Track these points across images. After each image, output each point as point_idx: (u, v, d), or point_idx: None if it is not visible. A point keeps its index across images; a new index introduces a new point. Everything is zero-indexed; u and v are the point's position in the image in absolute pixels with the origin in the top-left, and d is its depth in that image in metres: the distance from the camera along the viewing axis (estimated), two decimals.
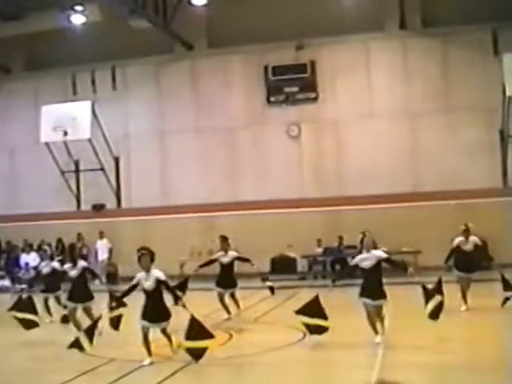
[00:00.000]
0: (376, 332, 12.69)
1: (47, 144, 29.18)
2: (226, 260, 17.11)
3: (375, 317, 12.79)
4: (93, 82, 30.80)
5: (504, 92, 24.83)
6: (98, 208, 30.57)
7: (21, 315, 15.43)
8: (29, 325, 15.49)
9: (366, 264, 12.90)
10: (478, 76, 26.80)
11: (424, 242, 25.18)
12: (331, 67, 28.43)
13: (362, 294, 13.09)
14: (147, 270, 12.13)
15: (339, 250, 27.07)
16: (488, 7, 25.93)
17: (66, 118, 28.53)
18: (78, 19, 27.74)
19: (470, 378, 9.82)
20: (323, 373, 10.73)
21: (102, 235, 29.13)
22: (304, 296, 23.14)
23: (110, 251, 29.04)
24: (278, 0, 28.72)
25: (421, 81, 27.65)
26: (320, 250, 27.25)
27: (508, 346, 10.52)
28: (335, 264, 27.26)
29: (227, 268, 17.17)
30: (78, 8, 27.24)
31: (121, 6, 26.30)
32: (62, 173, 30.15)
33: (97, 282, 28.40)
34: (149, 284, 12.09)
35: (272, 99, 29.06)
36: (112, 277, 28.73)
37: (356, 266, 13.39)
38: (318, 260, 27.48)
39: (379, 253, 12.96)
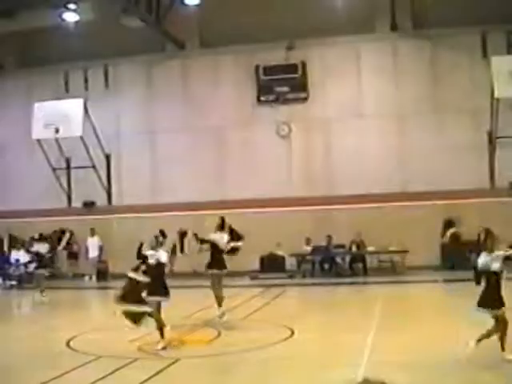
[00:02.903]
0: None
1: (39, 141, 29.26)
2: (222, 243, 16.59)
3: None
4: (85, 80, 30.92)
5: (492, 94, 25.03)
6: (89, 205, 30.65)
7: (136, 307, 13.13)
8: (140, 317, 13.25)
9: (496, 266, 10.70)
10: (466, 78, 27.02)
11: (411, 242, 25.37)
12: (321, 68, 28.60)
13: (486, 304, 10.81)
14: (154, 249, 13.06)
15: (328, 249, 27.22)
16: (477, 10, 26.17)
17: (58, 115, 28.62)
18: (70, 17, 27.81)
19: (457, 377, 9.99)
20: (310, 370, 10.85)
21: (93, 232, 29.19)
22: (292, 294, 23.51)
23: (101, 248, 29.11)
24: (270, 1, 28.86)
25: (410, 82, 27.84)
26: (309, 249, 27.36)
27: (496, 345, 10.65)
28: (324, 263, 27.44)
29: (217, 250, 16.57)
30: (71, 6, 27.30)
31: (113, 4, 26.39)
32: (54, 170, 30.25)
33: (86, 278, 28.75)
34: (152, 262, 12.95)
35: (262, 98, 29.20)
36: (103, 274, 28.86)
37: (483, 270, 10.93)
38: (307, 259, 27.61)
39: (500, 252, 10.79)
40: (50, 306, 21.61)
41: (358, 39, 28.19)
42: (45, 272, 21.45)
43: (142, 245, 13.32)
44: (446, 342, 12.12)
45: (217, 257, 16.43)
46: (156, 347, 12.46)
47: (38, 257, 21.77)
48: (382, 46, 28.33)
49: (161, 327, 12.72)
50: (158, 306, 12.85)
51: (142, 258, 13.18)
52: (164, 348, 12.49)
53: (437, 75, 27.55)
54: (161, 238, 13.35)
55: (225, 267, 16.51)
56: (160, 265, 12.96)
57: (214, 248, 16.47)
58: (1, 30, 28.33)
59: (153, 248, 13.06)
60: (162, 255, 12.98)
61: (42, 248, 22.01)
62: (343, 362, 11.26)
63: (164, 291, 12.96)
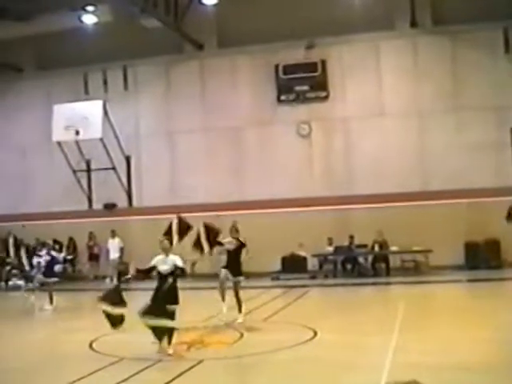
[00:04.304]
0: None
1: (59, 143, 29.28)
2: (232, 247, 16.33)
3: None
4: (104, 82, 30.89)
5: None
6: (110, 207, 30.65)
7: (111, 309, 13.30)
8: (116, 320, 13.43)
9: None
10: (488, 74, 26.77)
11: (434, 241, 25.15)
12: (341, 66, 28.43)
13: None
14: (166, 254, 12.70)
15: (350, 249, 27.06)
16: (499, 6, 25.79)
17: (78, 117, 28.62)
18: (89, 19, 27.83)
19: (482, 379, 9.82)
20: (333, 372, 10.72)
21: (113, 234, 29.15)
22: (314, 295, 23.36)
23: (122, 250, 29.07)
24: None
25: (430, 79, 27.59)
26: (331, 249, 27.22)
27: None
28: (346, 263, 27.29)
29: (234, 255, 16.38)
30: (89, 8, 27.33)
31: (132, 5, 26.36)
32: (74, 172, 30.23)
33: (107, 280, 28.75)
34: (165, 268, 12.55)
35: (282, 98, 29.06)
36: (123, 276, 28.79)
37: None
38: (329, 259, 27.47)
39: None
40: (71, 308, 21.61)
41: (378, 37, 28.00)
42: (54, 280, 21.30)
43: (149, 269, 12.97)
44: (471, 343, 11.97)
45: (232, 262, 16.29)
46: (167, 351, 12.31)
47: (46, 265, 21.65)
48: (402, 43, 28.10)
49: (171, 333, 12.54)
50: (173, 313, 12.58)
51: (150, 270, 12.93)
52: (171, 354, 12.27)
53: (457, 72, 27.29)
54: (167, 243, 13.04)
55: (240, 273, 16.35)
56: (173, 272, 12.65)
57: (229, 252, 16.36)
58: (20, 33, 28.42)
59: (164, 251, 12.87)
60: (178, 261, 12.75)
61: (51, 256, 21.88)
62: (367, 363, 11.13)
63: (177, 300, 12.67)
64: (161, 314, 12.22)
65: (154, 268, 12.78)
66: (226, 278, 16.22)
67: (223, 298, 16.12)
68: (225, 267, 16.33)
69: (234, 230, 16.57)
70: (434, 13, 27.80)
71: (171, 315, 12.34)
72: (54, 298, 20.82)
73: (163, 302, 12.36)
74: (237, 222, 17.06)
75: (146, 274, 12.98)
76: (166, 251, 12.78)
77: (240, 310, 16.06)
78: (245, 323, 15.61)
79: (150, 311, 12.34)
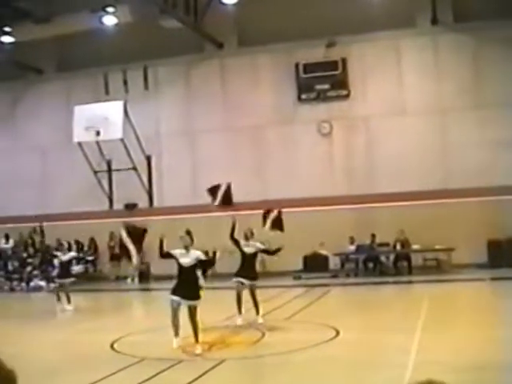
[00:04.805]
0: None
1: (80, 144, 29.34)
2: (248, 250, 16.11)
3: None
4: (125, 82, 30.87)
5: None
6: (131, 207, 30.69)
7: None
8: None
9: None
10: (509, 71, 26.51)
11: (455, 239, 25.00)
12: (362, 64, 28.30)
13: None
14: (187, 250, 12.74)
15: (372, 248, 26.96)
16: None
17: (99, 117, 28.66)
18: (109, 20, 27.86)
19: (507, 378, 9.71)
20: (355, 372, 10.66)
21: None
22: (336, 294, 23.29)
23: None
24: None
25: (451, 77, 27.38)
26: (352, 248, 27.14)
27: None
28: (368, 262, 27.19)
29: (249, 259, 16.13)
30: (109, 9, 27.36)
31: (151, 6, 26.38)
32: (95, 172, 30.29)
33: (128, 280, 28.81)
34: (187, 261, 12.60)
35: (303, 96, 28.98)
36: (145, 276, 28.87)
37: None
38: (351, 258, 27.40)
39: None
40: (93, 309, 21.65)
41: (399, 34, 27.84)
42: (69, 281, 21.28)
43: (162, 241, 13.06)
44: (495, 342, 11.86)
45: (247, 265, 16.07)
46: (194, 351, 12.27)
47: (61, 266, 21.65)
48: (423, 40, 27.92)
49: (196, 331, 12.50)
50: (195, 309, 12.60)
51: (166, 255, 12.95)
52: (199, 354, 12.24)
53: (479, 69, 27.07)
54: (188, 238, 13.09)
55: (255, 277, 16.11)
56: (195, 266, 12.72)
57: (244, 255, 16.15)
58: (40, 35, 28.49)
59: (185, 247, 12.85)
60: (200, 255, 12.74)
61: (67, 257, 21.88)
62: (390, 362, 11.07)
63: (198, 294, 12.69)
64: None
65: (170, 255, 12.81)
66: (241, 288, 15.93)
67: (240, 311, 15.82)
68: (238, 272, 16.06)
69: (250, 234, 16.40)
70: (455, 10, 27.59)
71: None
72: (72, 298, 20.79)
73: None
74: (252, 228, 16.80)
75: (162, 251, 12.97)
76: (187, 247, 12.79)
77: (258, 312, 15.86)
78: (266, 323, 15.55)
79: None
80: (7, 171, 32.28)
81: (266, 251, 16.89)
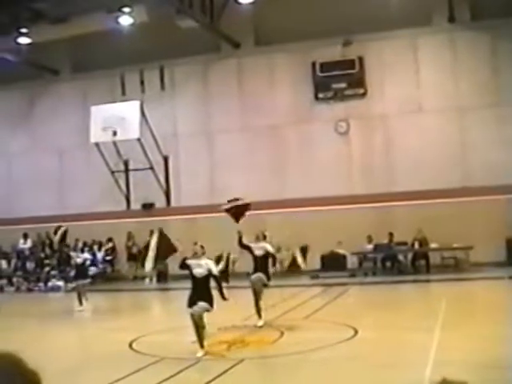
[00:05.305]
0: None
1: (97, 144, 29.41)
2: (258, 252, 15.98)
3: None
4: (141, 82, 30.89)
5: None
6: (148, 207, 30.74)
7: None
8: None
9: None
10: None
11: (474, 238, 24.87)
12: (379, 63, 28.20)
13: None
14: (199, 258, 12.67)
15: (390, 247, 26.88)
16: None
17: (115, 118, 28.73)
18: (125, 20, 27.88)
19: None
20: (374, 371, 10.63)
21: (152, 234, 29.13)
22: (354, 293, 23.23)
23: None
24: None
25: (469, 75, 27.24)
26: (370, 247, 27.07)
27: None
28: (386, 261, 27.10)
29: (260, 261, 15.99)
30: (125, 9, 27.38)
31: (168, 6, 26.41)
32: (112, 173, 30.35)
33: (146, 280, 28.87)
34: (200, 271, 12.49)
35: (320, 96, 28.91)
36: (162, 275, 28.89)
37: None
38: (369, 257, 27.34)
39: None
40: (111, 309, 21.71)
41: (416, 32, 27.73)
42: (85, 282, 21.40)
43: (185, 259, 12.92)
44: None
45: (259, 268, 15.94)
46: (196, 355, 12.20)
47: (77, 267, 21.79)
48: (440, 38, 27.80)
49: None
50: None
51: (184, 266, 12.85)
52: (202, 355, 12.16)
53: (497, 67, 26.94)
54: (200, 248, 12.99)
55: (267, 279, 15.92)
56: (208, 276, 12.63)
57: (255, 258, 16.02)
58: (56, 36, 28.55)
59: (196, 257, 12.80)
60: (212, 267, 12.68)
61: (81, 259, 22.01)
62: (408, 361, 11.06)
63: (211, 300, 12.60)
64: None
65: (186, 265, 12.71)
66: (260, 286, 15.79)
67: (259, 315, 15.71)
68: (251, 275, 16.00)
69: (262, 236, 16.34)
70: (472, 7, 27.46)
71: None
72: (83, 298, 20.81)
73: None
74: (265, 230, 16.81)
75: (182, 265, 12.87)
76: (198, 255, 12.72)
77: (259, 316, 15.64)
78: (284, 322, 15.54)
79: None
80: (25, 172, 32.45)
81: (272, 255, 16.42)
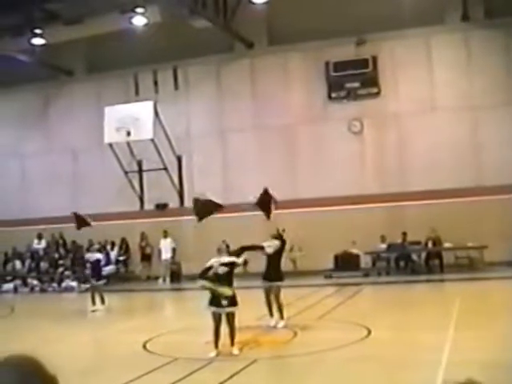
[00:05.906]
0: None
1: (110, 145, 29.48)
2: (269, 250, 15.65)
3: None
4: (155, 82, 30.94)
5: None
6: (162, 207, 30.78)
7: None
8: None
9: None
10: None
11: (488, 237, 24.78)
12: (392, 62, 28.15)
13: None
14: (221, 256, 12.78)
15: (403, 246, 26.81)
16: None
17: (129, 118, 28.79)
18: (138, 21, 27.90)
19: None
20: (389, 370, 10.61)
21: (165, 234, 29.26)
22: (368, 293, 23.19)
23: (174, 250, 29.16)
24: None
25: (483, 73, 27.13)
26: (384, 247, 27.01)
27: None
28: (399, 260, 27.03)
29: (272, 259, 15.78)
30: (139, 10, 27.40)
31: (181, 6, 26.44)
32: (126, 173, 30.41)
33: (160, 280, 28.91)
34: (222, 269, 12.49)
35: (333, 95, 28.87)
36: (176, 276, 28.94)
37: None
38: (382, 256, 27.27)
39: None
40: (124, 309, 21.75)
41: (429, 31, 27.65)
42: (100, 283, 21.43)
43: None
44: None
45: (271, 266, 15.80)
46: (232, 352, 12.26)
47: (92, 267, 21.84)
48: (454, 37, 27.73)
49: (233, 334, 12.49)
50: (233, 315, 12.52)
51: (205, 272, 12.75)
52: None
53: (511, 65, 26.82)
54: (224, 246, 13.04)
55: (280, 278, 15.76)
56: (230, 272, 12.64)
57: (268, 256, 15.76)
58: (70, 36, 28.61)
59: (219, 253, 12.83)
60: (234, 258, 12.73)
61: (93, 258, 22.05)
62: (422, 361, 11.02)
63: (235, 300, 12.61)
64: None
65: (210, 268, 12.68)
66: (268, 291, 15.67)
67: (271, 313, 15.60)
68: (264, 275, 15.84)
69: (278, 234, 16.18)
70: (486, 5, 27.38)
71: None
72: (100, 300, 20.86)
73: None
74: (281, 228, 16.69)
75: (204, 273, 12.79)
76: (221, 253, 12.78)
77: (282, 316, 15.49)
78: (298, 322, 15.53)
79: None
80: (39, 172, 32.60)
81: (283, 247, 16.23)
